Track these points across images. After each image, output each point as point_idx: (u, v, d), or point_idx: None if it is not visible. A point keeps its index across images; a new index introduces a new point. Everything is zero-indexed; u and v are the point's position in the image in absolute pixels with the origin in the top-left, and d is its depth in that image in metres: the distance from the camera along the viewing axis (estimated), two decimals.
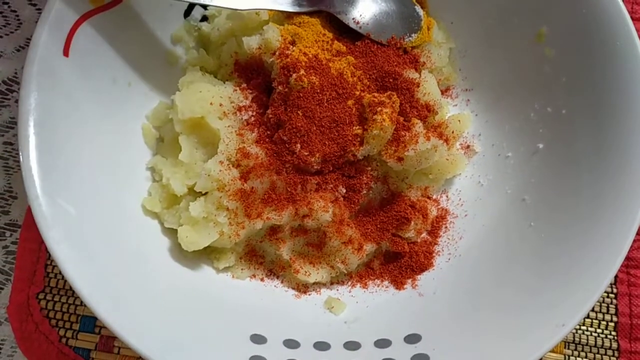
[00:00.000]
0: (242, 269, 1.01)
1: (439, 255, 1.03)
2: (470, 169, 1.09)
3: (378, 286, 1.02)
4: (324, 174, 0.97)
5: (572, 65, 0.98)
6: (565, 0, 0.96)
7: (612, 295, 1.05)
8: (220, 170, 0.93)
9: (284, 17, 1.02)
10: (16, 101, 1.06)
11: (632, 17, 1.12)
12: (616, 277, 1.05)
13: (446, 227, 1.06)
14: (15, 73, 1.11)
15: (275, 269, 1.02)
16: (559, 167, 0.97)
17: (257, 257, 1.02)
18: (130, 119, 1.01)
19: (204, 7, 1.08)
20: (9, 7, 1.16)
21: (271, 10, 1.01)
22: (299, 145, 0.94)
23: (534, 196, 0.99)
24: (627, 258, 1.05)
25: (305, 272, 0.99)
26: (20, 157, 0.82)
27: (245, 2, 0.96)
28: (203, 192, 0.95)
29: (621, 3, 0.92)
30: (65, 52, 0.89)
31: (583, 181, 0.92)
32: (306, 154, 0.94)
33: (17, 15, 1.15)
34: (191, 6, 1.08)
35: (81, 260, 0.82)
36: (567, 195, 0.93)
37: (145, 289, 0.87)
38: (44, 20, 0.87)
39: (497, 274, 0.94)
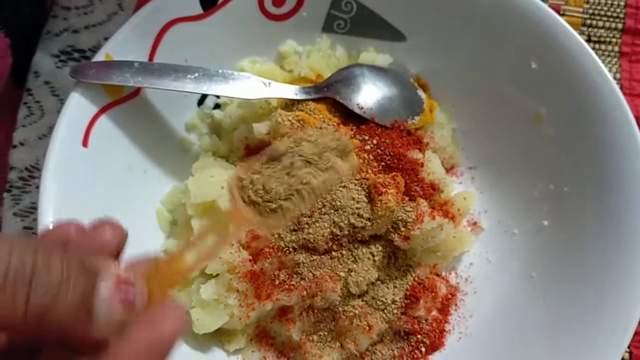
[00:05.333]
0: (252, 351, 1.01)
1: (449, 334, 1.02)
2: (477, 245, 1.10)
3: None
4: (332, 254, 0.99)
5: (571, 144, 1.01)
6: (561, 83, 1.01)
7: None
8: (231, 252, 0.95)
9: (291, 104, 1.07)
10: (37, 187, 1.10)
11: (630, 94, 1.17)
12: (631, 353, 1.03)
13: (456, 305, 1.05)
14: (37, 160, 1.15)
15: (285, 351, 1.02)
16: (564, 244, 0.98)
17: (268, 338, 1.02)
18: (145, 204, 1.04)
19: (217, 95, 1.14)
20: (33, 97, 1.22)
21: (280, 98, 1.06)
22: (307, 226, 0.96)
23: (541, 273, 1.00)
24: None
25: (316, 353, 0.99)
26: None
27: (255, 92, 1.01)
28: (214, 274, 0.97)
29: (614, 83, 0.96)
30: (84, 143, 0.94)
31: (589, 260, 0.93)
32: (314, 233, 0.96)
33: (41, 106, 1.21)
34: (205, 95, 1.13)
35: None
36: (573, 273, 0.94)
37: None
38: (65, 112, 0.93)
39: (508, 356, 0.93)
